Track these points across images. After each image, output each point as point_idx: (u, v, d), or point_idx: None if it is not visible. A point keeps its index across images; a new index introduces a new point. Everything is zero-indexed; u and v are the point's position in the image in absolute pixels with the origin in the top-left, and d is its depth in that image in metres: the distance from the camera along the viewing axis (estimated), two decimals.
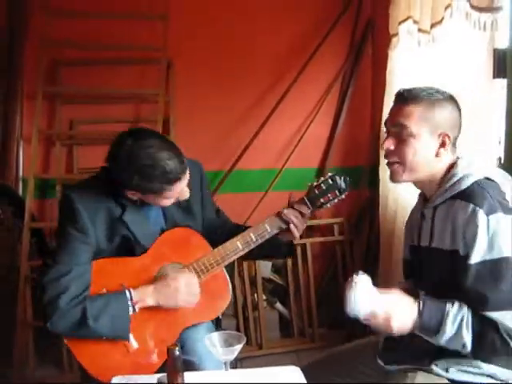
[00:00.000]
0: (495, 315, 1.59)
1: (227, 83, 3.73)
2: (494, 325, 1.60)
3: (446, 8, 2.53)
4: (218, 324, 2.15)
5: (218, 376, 1.66)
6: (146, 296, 1.92)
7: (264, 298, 3.72)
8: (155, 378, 1.60)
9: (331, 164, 3.89)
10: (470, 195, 1.64)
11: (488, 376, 1.70)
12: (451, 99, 1.76)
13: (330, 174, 2.10)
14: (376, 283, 1.73)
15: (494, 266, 1.59)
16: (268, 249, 2.14)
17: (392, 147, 1.77)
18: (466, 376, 1.71)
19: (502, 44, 2.40)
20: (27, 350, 3.35)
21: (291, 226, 2.06)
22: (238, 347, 1.59)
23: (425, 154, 1.73)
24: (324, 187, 2.07)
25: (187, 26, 3.62)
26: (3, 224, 3.39)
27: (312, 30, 3.79)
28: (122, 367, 1.89)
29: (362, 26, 3.83)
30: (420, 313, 1.64)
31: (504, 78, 2.40)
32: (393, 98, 3.09)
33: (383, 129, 3.24)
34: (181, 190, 1.94)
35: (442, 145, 1.73)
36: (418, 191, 1.93)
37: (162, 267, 2.01)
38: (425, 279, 1.82)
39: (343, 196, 2.10)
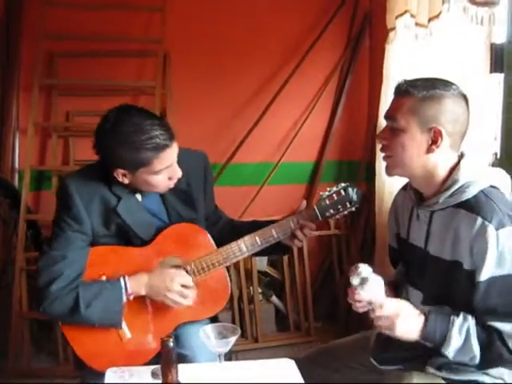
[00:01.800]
0: (501, 325, 1.57)
1: (224, 76, 3.72)
2: (499, 335, 1.58)
3: (444, 2, 2.53)
4: (214, 320, 2.13)
5: (211, 368, 1.66)
6: (140, 285, 1.91)
7: (260, 291, 3.72)
8: (149, 369, 1.60)
9: (328, 158, 3.89)
10: (477, 207, 1.58)
11: (482, 373, 1.69)
12: (455, 93, 1.65)
13: (342, 184, 2.06)
14: None
15: (504, 283, 1.56)
16: (267, 249, 2.10)
17: (384, 141, 1.72)
18: (459, 374, 1.70)
19: (499, 39, 2.41)
20: (23, 342, 3.34)
21: (297, 236, 2.04)
22: (233, 339, 1.58)
23: (415, 150, 1.66)
24: (335, 198, 2.04)
25: (184, 18, 3.61)
26: None
27: (309, 23, 3.78)
28: (114, 356, 1.91)
29: (360, 20, 3.82)
30: (425, 323, 1.62)
31: (501, 72, 2.41)
32: (390, 92, 3.13)
33: (380, 123, 3.27)
34: (171, 163, 1.89)
35: (434, 141, 1.64)
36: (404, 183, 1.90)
37: (163, 260, 2.00)
38: (421, 280, 1.79)
39: (353, 209, 2.06)
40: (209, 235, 2.08)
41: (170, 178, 1.94)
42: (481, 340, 1.58)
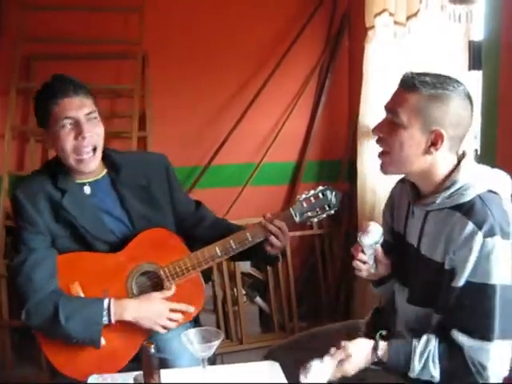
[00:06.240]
0: (466, 342, 1.55)
1: (204, 78, 3.70)
2: (460, 353, 1.56)
3: (421, 0, 2.54)
4: (196, 321, 2.10)
5: (195, 373, 1.64)
6: (124, 310, 1.87)
7: (243, 292, 3.71)
8: (131, 376, 1.58)
9: (309, 158, 3.89)
10: (472, 211, 1.55)
11: None
12: (462, 95, 1.59)
13: (321, 187, 2.02)
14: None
15: (477, 292, 1.53)
16: (249, 256, 2.10)
17: (381, 134, 1.66)
18: None
19: (477, 36, 2.42)
20: (5, 350, 3.31)
21: (272, 237, 1.99)
22: (216, 343, 1.56)
23: (412, 149, 1.60)
24: (313, 201, 2.00)
25: (162, 19, 3.58)
26: None
27: (288, 23, 3.77)
28: (87, 362, 1.88)
29: (339, 19, 3.83)
30: (388, 353, 1.62)
31: (479, 70, 2.41)
32: (370, 90, 3.14)
33: (361, 122, 3.27)
34: (73, 116, 1.88)
35: (434, 143, 1.59)
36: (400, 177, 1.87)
37: (137, 266, 1.96)
38: (410, 277, 1.76)
39: (332, 212, 2.02)
40: (180, 240, 2.05)
41: (76, 138, 1.89)
42: (441, 363, 1.58)
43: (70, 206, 1.94)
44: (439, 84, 1.57)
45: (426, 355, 1.59)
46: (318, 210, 2.02)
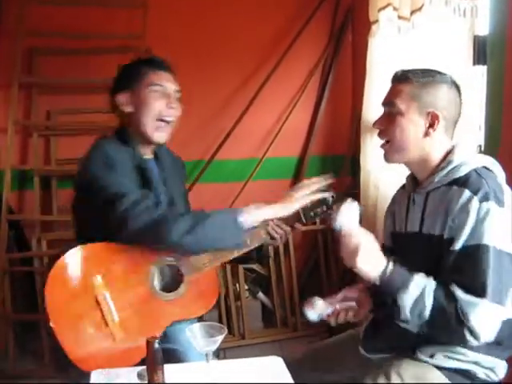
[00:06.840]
0: (461, 295, 1.56)
1: (207, 72, 3.69)
2: (455, 304, 1.56)
3: None
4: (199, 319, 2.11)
5: (199, 368, 1.64)
6: (256, 207, 1.88)
7: (246, 287, 3.71)
8: (135, 371, 1.58)
9: (312, 153, 3.88)
10: (467, 182, 1.63)
11: (473, 363, 1.70)
12: (449, 81, 1.73)
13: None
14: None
15: (472, 252, 1.58)
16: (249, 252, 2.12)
17: (382, 126, 1.78)
18: (451, 362, 1.69)
19: (482, 31, 2.41)
20: (7, 343, 3.31)
21: (277, 237, 2.05)
22: (220, 338, 1.56)
23: (413, 133, 1.72)
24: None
25: (165, 13, 3.57)
26: None
27: (292, 18, 3.77)
28: (104, 356, 1.86)
29: (342, 14, 3.82)
30: (391, 269, 1.63)
31: (484, 64, 2.41)
32: (373, 85, 3.13)
33: (364, 117, 3.27)
34: (167, 87, 2.04)
35: (431, 124, 1.70)
36: (402, 178, 1.92)
37: (159, 260, 1.96)
38: (412, 264, 1.74)
39: (329, 212, 2.04)
40: None
41: (167, 105, 2.03)
42: (436, 299, 1.58)
43: (152, 170, 2.06)
44: (427, 73, 1.74)
45: (423, 284, 1.60)
46: (318, 209, 2.06)
